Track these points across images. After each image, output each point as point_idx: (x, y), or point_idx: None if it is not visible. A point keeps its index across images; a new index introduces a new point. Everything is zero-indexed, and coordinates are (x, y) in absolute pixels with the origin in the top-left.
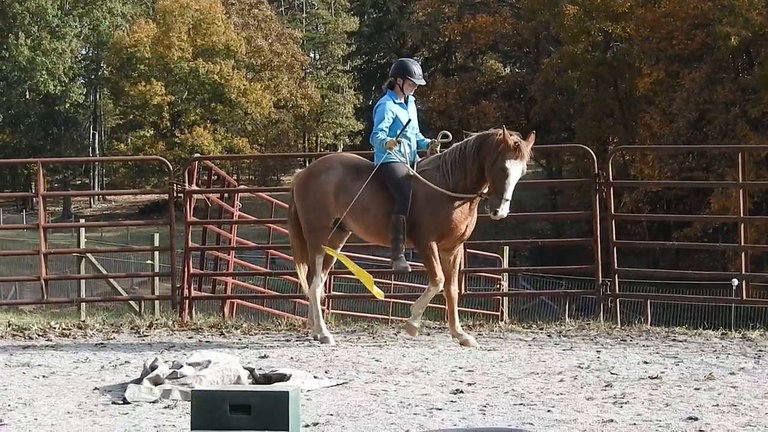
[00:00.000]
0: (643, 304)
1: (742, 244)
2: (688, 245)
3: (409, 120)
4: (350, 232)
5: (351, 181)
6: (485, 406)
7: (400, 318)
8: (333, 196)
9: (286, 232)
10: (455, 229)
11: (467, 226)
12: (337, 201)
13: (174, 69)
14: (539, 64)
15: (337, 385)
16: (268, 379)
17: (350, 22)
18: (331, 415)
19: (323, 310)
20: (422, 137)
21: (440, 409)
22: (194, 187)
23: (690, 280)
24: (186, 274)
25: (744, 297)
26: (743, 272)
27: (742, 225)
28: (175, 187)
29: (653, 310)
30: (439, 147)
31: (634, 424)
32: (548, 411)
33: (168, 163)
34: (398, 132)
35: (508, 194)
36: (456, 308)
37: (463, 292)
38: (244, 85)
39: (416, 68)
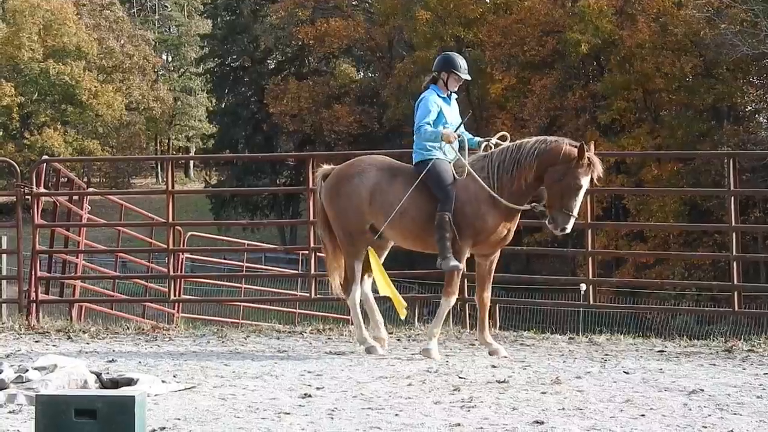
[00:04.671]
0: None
1: (590, 249)
2: (538, 250)
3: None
4: (392, 242)
5: (387, 184)
6: (333, 410)
7: (249, 322)
8: (367, 201)
9: (136, 235)
10: (494, 236)
11: (509, 231)
12: (372, 205)
13: (24, 70)
14: (392, 68)
15: (185, 389)
16: (116, 383)
17: (203, 25)
18: (179, 419)
19: (174, 314)
20: (470, 135)
21: (288, 414)
22: (42, 190)
23: (539, 285)
24: (33, 277)
25: (591, 302)
26: (591, 277)
27: (590, 230)
28: (22, 190)
29: (502, 314)
30: (492, 148)
31: (481, 428)
32: (396, 415)
33: (15, 165)
34: (457, 126)
35: (576, 210)
36: (487, 316)
37: (313, 296)
38: (95, 86)
39: (462, 62)
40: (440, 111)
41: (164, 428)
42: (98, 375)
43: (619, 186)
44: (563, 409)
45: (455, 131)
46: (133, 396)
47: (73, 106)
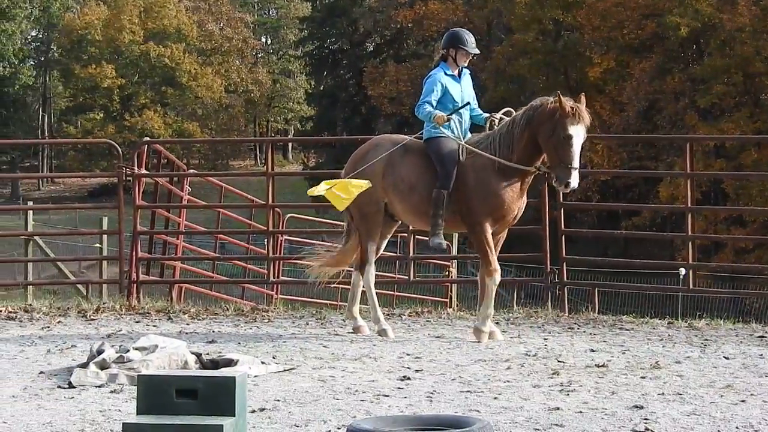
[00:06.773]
0: (591, 292)
1: (690, 233)
2: (636, 234)
3: (468, 103)
4: (398, 222)
5: (399, 158)
6: (432, 393)
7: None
8: (381, 176)
9: (235, 216)
10: (508, 211)
11: (519, 208)
12: (385, 181)
13: (125, 52)
14: (490, 51)
15: (285, 370)
16: (216, 364)
17: (302, 7)
18: (278, 400)
19: (273, 296)
20: (480, 112)
21: (387, 396)
22: (143, 171)
23: (638, 269)
24: (134, 258)
25: (691, 286)
26: (690, 262)
27: (690, 215)
28: (124, 171)
29: (601, 299)
30: (498, 123)
31: (580, 412)
32: (495, 398)
33: (117, 146)
34: (452, 108)
35: (576, 162)
36: (491, 297)
37: (411, 278)
38: (194, 69)
39: (469, 37)
40: (446, 89)
41: (264, 409)
42: (198, 356)
43: (719, 170)
44: (663, 393)
45: (449, 113)
46: (234, 377)
47: (172, 88)
